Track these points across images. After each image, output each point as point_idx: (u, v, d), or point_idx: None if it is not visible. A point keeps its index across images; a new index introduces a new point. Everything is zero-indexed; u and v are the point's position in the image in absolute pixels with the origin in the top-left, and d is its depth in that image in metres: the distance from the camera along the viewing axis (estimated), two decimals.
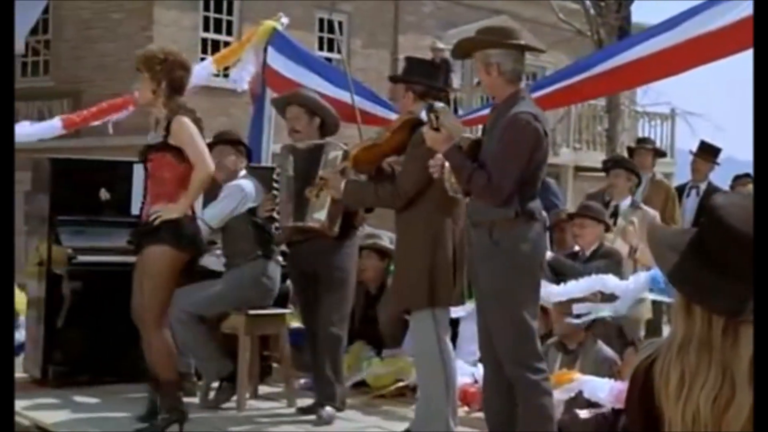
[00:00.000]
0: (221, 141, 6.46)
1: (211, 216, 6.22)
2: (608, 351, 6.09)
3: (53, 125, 8.09)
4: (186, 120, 5.44)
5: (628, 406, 2.14)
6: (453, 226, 5.21)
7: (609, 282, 6.04)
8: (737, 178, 9.06)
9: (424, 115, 5.13)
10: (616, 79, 6.61)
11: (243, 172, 6.44)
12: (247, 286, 6.24)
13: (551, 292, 6.10)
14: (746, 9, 5.65)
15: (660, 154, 9.20)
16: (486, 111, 7.09)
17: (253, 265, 6.25)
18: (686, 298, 1.99)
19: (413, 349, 5.65)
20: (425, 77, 5.46)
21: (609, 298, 6.10)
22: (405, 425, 5.64)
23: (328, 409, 5.99)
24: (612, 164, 7.92)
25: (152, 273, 5.40)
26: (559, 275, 6.49)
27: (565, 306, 6.07)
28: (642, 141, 10.02)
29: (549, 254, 7.07)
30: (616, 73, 6.44)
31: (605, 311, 6.04)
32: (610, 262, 6.76)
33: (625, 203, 7.44)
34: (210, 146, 6.30)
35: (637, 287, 5.95)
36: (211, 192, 6.29)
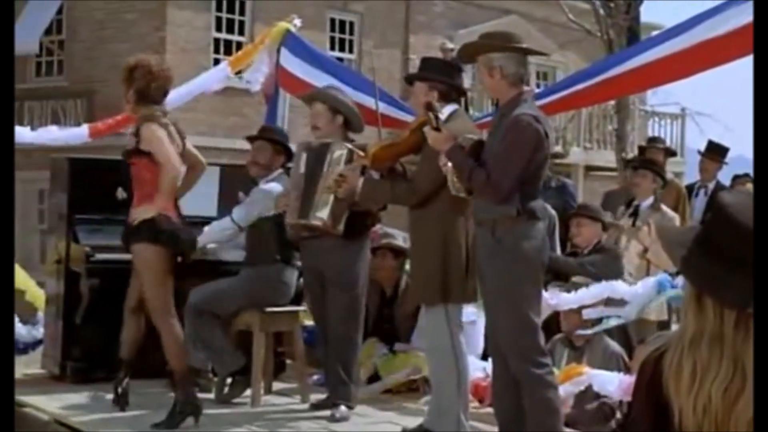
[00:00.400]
0: (260, 137, 6.63)
1: (239, 217, 6.41)
2: (615, 346, 6.19)
3: (80, 133, 8.27)
4: (153, 126, 5.73)
5: (636, 396, 2.21)
6: (465, 224, 5.30)
7: (619, 288, 6.12)
8: (736, 178, 9.12)
9: (443, 115, 5.26)
10: (628, 82, 6.70)
11: (278, 172, 6.54)
12: (262, 288, 6.34)
13: (563, 299, 6.19)
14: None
15: (671, 153, 9.29)
16: None
17: (271, 269, 6.37)
18: (698, 291, 2.08)
19: (426, 345, 5.74)
20: (446, 76, 5.55)
21: (618, 302, 6.19)
22: (419, 420, 5.72)
23: (342, 408, 6.04)
24: (639, 164, 8.05)
25: (141, 270, 5.80)
26: (553, 273, 6.60)
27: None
28: (653, 140, 10.13)
29: None
30: (627, 77, 6.53)
31: (614, 319, 6.13)
32: (606, 256, 6.89)
33: (646, 204, 7.55)
34: (252, 139, 6.65)
35: (645, 292, 6.02)
36: (245, 188, 6.54)
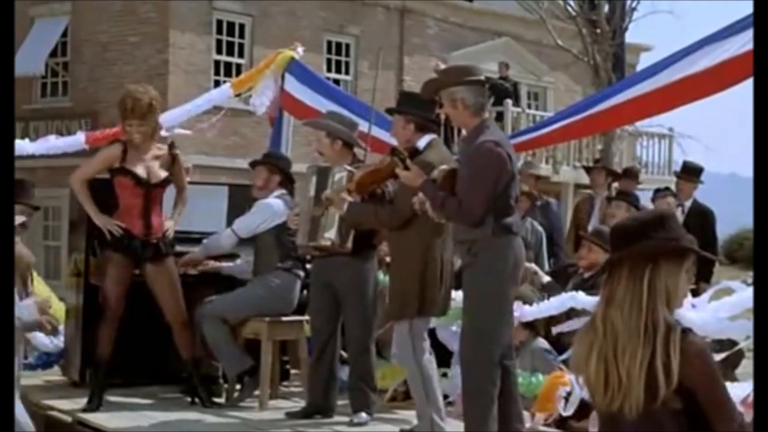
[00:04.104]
0: (255, 162, 7.20)
1: (239, 227, 6.88)
2: (545, 344, 6.55)
3: (77, 140, 8.61)
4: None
5: None
6: (442, 245, 5.67)
7: (580, 298, 6.31)
8: (657, 191, 9.50)
9: (421, 145, 5.72)
10: (620, 114, 7.16)
11: (278, 192, 6.94)
12: (266, 296, 6.75)
13: (526, 311, 6.44)
14: (736, 46, 6.29)
15: (613, 174, 9.87)
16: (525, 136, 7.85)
17: (274, 278, 6.79)
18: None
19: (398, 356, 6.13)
20: (422, 110, 5.87)
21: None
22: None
23: (362, 415, 6.29)
24: (615, 196, 8.57)
25: (176, 279, 6.70)
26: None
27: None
28: (596, 161, 10.84)
29: (546, 278, 7.56)
30: (619, 109, 6.98)
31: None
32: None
33: None
34: (252, 165, 7.22)
35: None
36: (251, 206, 7.01)
